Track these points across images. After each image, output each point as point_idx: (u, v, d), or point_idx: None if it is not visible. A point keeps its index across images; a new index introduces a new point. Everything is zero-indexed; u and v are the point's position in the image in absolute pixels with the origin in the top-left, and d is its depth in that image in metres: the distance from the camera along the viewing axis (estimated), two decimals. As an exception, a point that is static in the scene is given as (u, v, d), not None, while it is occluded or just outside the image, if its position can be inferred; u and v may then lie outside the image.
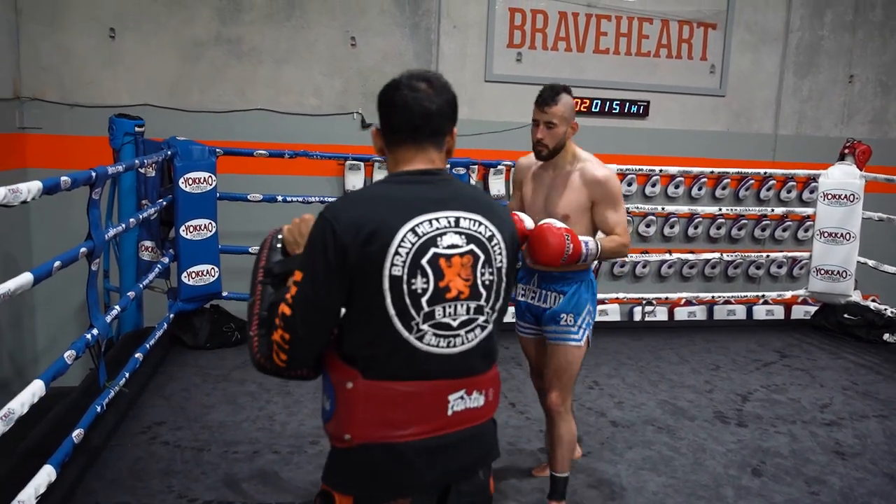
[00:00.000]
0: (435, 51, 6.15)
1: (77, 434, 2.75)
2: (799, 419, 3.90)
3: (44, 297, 5.62)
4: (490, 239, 1.50)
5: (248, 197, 4.94)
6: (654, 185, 6.51)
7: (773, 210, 6.24)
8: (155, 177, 4.51)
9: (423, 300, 1.42)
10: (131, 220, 3.76)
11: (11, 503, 2.17)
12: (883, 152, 6.39)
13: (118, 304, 3.54)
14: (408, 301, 1.42)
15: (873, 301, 5.75)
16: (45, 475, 2.39)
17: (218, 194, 4.70)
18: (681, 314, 6.57)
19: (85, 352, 2.86)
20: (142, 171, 4.47)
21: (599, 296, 5.74)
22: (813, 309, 5.97)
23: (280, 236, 1.62)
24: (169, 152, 4.40)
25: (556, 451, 2.75)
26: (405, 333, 1.43)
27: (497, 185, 6.08)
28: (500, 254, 1.52)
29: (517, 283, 2.89)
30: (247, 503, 2.87)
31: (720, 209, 6.27)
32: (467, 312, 1.47)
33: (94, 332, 2.96)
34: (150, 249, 4.66)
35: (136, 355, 3.65)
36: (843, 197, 5.46)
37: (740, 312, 6.49)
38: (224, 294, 4.87)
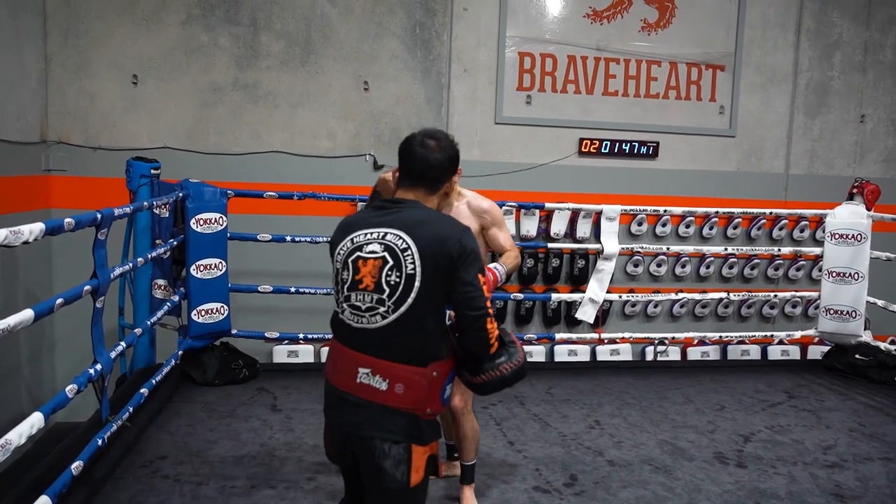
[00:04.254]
0: (446, 94, 6.32)
1: (76, 466, 2.83)
2: (800, 460, 3.85)
3: (63, 333, 5.80)
4: (404, 250, 1.98)
5: (258, 237, 5.07)
6: (664, 225, 6.54)
7: (780, 250, 6.21)
8: (168, 217, 4.67)
9: (346, 286, 2.03)
10: (139, 259, 3.89)
11: (5, 532, 2.25)
12: (894, 192, 6.36)
13: (125, 341, 3.65)
14: (338, 286, 2.07)
15: (892, 342, 5.67)
16: (41, 506, 2.47)
17: (229, 234, 4.85)
18: (694, 354, 6.54)
19: (87, 386, 2.96)
20: (156, 211, 4.64)
21: (611, 335, 5.79)
22: (828, 349, 5.90)
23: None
24: (181, 194, 4.57)
25: (463, 445, 3.21)
26: (336, 308, 2.09)
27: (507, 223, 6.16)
28: (412, 262, 1.97)
29: None
30: (239, 537, 2.91)
31: (732, 248, 6.25)
32: (371, 301, 1.99)
33: (98, 367, 3.06)
34: (162, 288, 4.80)
35: (142, 390, 3.75)
36: (850, 237, 5.43)
37: (755, 352, 6.44)
38: (233, 332, 4.98)
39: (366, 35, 6.15)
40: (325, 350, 5.78)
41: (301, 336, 5.38)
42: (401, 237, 1.98)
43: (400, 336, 1.99)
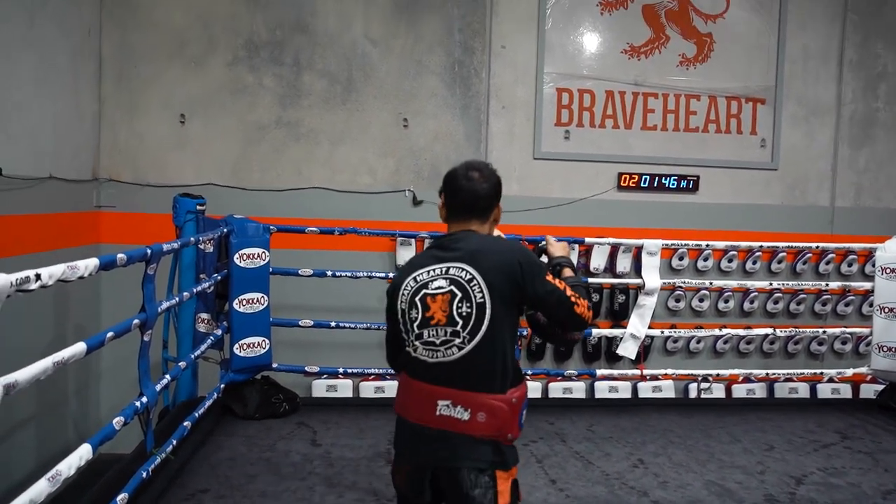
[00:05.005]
0: (484, 130, 6.37)
1: (121, 498, 2.86)
2: (858, 506, 3.70)
3: (108, 365, 5.92)
4: (469, 281, 2.04)
5: (299, 272, 5.13)
6: (706, 260, 6.45)
7: (828, 284, 6.06)
8: (213, 252, 4.76)
9: (415, 324, 2.08)
10: (185, 293, 3.97)
11: (53, 563, 2.28)
12: (947, 225, 6.19)
13: (169, 374, 3.71)
14: (406, 327, 2.10)
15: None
16: (88, 537, 2.49)
17: (271, 269, 4.91)
18: (739, 391, 6.38)
19: (134, 418, 3.01)
20: (201, 246, 4.73)
21: (653, 371, 5.69)
22: (881, 388, 5.70)
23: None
24: (225, 229, 4.66)
25: None
26: (408, 348, 2.12)
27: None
28: (481, 291, 2.03)
29: None
30: (279, 574, 2.89)
31: (777, 283, 6.12)
32: (445, 335, 2.04)
33: (143, 399, 3.11)
34: (206, 321, 4.87)
35: (185, 423, 3.79)
36: (902, 271, 5.28)
37: (803, 390, 6.25)
38: (274, 365, 5.02)
39: (405, 73, 6.26)
40: (363, 384, 5.79)
41: (340, 370, 5.40)
42: (464, 269, 2.05)
43: (478, 365, 2.05)
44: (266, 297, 4.86)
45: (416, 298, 2.07)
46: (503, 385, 2.08)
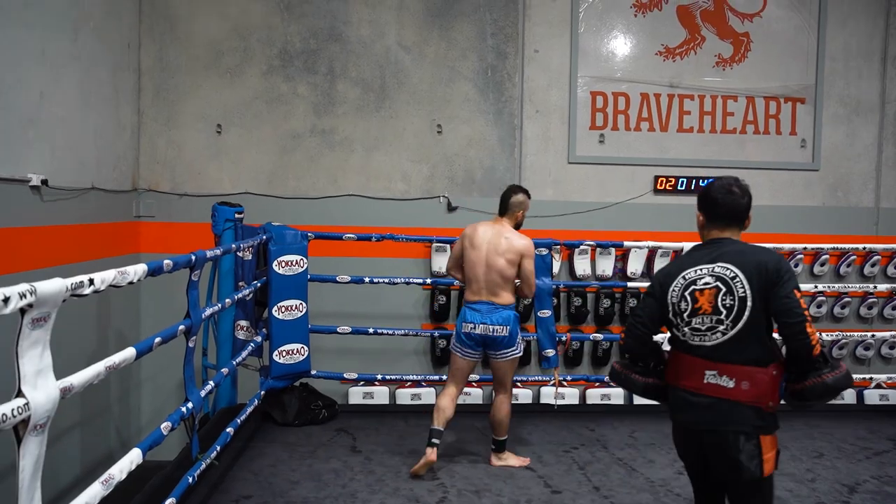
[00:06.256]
0: (518, 135, 6.34)
1: (170, 502, 2.88)
2: (914, 514, 3.58)
3: (148, 373, 6.00)
4: (733, 278, 2.39)
5: (337, 279, 5.15)
6: (746, 262, 6.32)
7: (875, 287, 5.91)
8: (251, 260, 4.80)
9: (685, 314, 2.46)
10: (227, 300, 4.00)
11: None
12: None
13: (212, 380, 3.73)
14: (676, 316, 2.49)
15: None
16: (138, 542, 2.50)
17: (309, 276, 4.94)
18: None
19: (180, 424, 3.03)
20: (240, 254, 4.77)
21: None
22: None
23: None
24: (264, 237, 4.69)
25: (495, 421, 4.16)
26: (676, 332, 2.50)
27: (582, 265, 6.09)
28: (742, 287, 2.37)
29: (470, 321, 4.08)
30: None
31: (821, 286, 5.98)
32: (710, 322, 2.40)
33: (189, 405, 3.13)
34: (245, 329, 4.91)
35: (228, 430, 3.81)
36: (953, 272, 5.12)
37: (849, 397, 6.07)
38: (313, 372, 5.03)
39: (438, 79, 6.26)
40: (400, 391, 5.78)
41: (378, 377, 5.39)
42: (728, 268, 2.40)
43: (739, 348, 2.37)
44: (305, 304, 4.89)
45: (686, 293, 2.45)
46: (764, 362, 2.37)
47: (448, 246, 5.96)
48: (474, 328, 4.05)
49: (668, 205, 6.39)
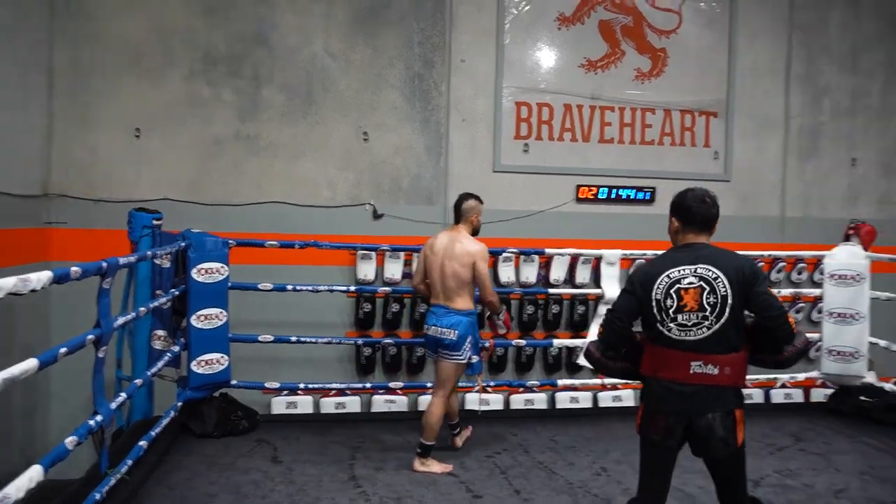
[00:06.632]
0: (444, 143, 6.40)
1: (75, 521, 2.77)
2: (813, 506, 3.79)
3: (59, 386, 5.73)
4: (715, 279, 2.66)
5: (259, 286, 5.07)
6: (663, 269, 6.55)
7: (780, 292, 6.19)
8: (169, 268, 4.67)
9: (671, 310, 2.69)
10: (142, 309, 3.88)
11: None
12: (890, 233, 6.42)
13: (125, 392, 3.61)
14: (661, 312, 2.71)
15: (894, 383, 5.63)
16: (39, 562, 2.40)
17: (230, 284, 4.84)
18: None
19: (87, 438, 2.92)
20: (157, 261, 4.64)
21: (613, 381, 5.79)
22: (831, 391, 5.85)
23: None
24: (183, 244, 4.58)
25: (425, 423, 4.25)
26: (661, 328, 2.72)
27: (507, 272, 6.18)
28: (724, 286, 2.65)
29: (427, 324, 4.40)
30: None
31: None
32: (695, 319, 2.66)
33: (98, 418, 3.02)
34: (162, 338, 4.77)
35: (141, 443, 3.69)
36: (849, 277, 5.45)
37: (757, 396, 6.36)
38: (233, 382, 4.93)
39: (365, 87, 6.26)
40: (324, 400, 5.72)
41: (301, 386, 5.33)
42: (710, 270, 2.68)
43: (721, 340, 2.66)
44: (225, 313, 4.79)
45: (671, 290, 2.69)
46: (738, 347, 2.70)
47: (373, 253, 5.97)
48: (428, 329, 4.34)
49: (589, 213, 6.57)
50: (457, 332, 4.21)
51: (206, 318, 4.69)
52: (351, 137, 6.27)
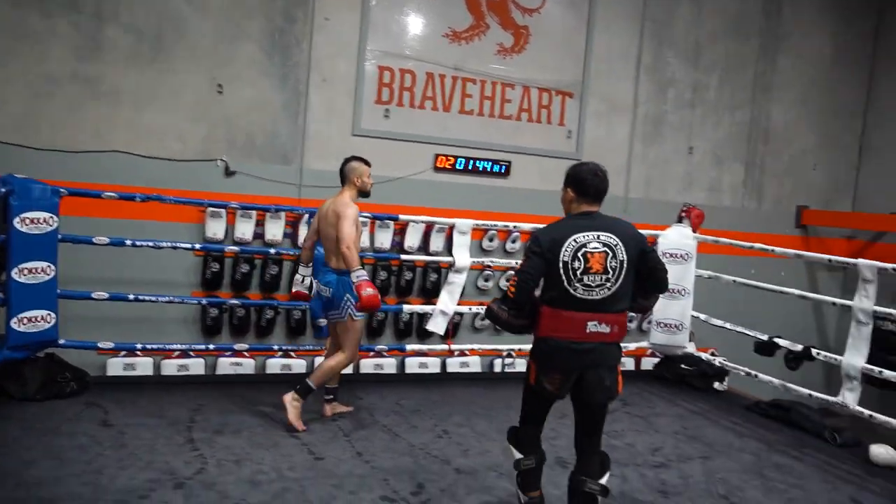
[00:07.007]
0: (303, 102, 6.22)
1: None
2: (632, 462, 4.12)
3: None
4: (616, 245, 2.95)
5: (94, 240, 4.73)
6: (514, 242, 6.79)
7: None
8: (-12, 216, 4.25)
9: (578, 272, 2.92)
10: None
11: None
12: (717, 217, 7.03)
13: (-72, 349, 3.27)
14: (568, 273, 2.92)
15: (713, 353, 6.21)
16: None
17: (60, 236, 4.48)
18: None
19: None
20: (-27, 208, 4.20)
21: (461, 347, 5.97)
22: (658, 360, 6.37)
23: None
24: (4, 189, 4.17)
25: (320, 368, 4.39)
26: (567, 287, 2.93)
27: (361, 237, 6.14)
28: (622, 252, 2.94)
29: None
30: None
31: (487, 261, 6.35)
32: (599, 280, 2.92)
33: None
34: (-23, 292, 4.35)
35: (-54, 405, 3.36)
36: (679, 256, 5.93)
37: (629, 364, 6.78)
38: (61, 342, 4.60)
39: (222, 36, 5.94)
40: (165, 362, 5.48)
41: (139, 346, 5.06)
42: (611, 237, 2.96)
43: (616, 300, 2.97)
44: (53, 267, 4.45)
45: (578, 254, 2.92)
46: (626, 309, 3.03)
47: (224, 211, 5.73)
48: (317, 286, 4.52)
49: (446, 183, 6.66)
50: (330, 290, 4.30)
51: (29, 272, 4.32)
52: (204, 89, 5.95)
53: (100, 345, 4.89)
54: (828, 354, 5.10)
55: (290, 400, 4.26)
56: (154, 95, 5.80)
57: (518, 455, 3.21)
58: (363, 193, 4.52)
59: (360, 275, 4.11)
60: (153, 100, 5.80)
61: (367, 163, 4.55)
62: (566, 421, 3.36)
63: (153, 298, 5.01)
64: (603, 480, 3.10)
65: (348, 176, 4.48)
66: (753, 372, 5.47)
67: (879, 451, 4.47)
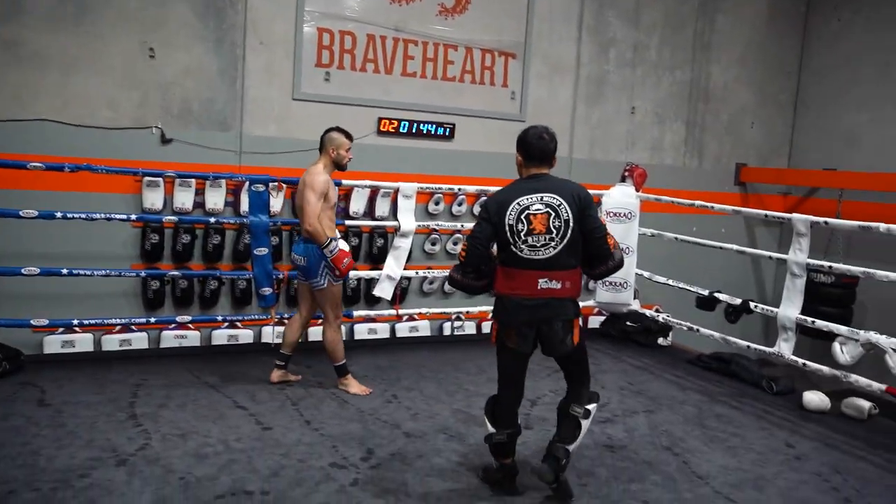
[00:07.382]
0: (241, 67, 6.02)
1: None
2: (578, 419, 4.20)
3: None
4: (559, 206, 3.06)
5: (21, 213, 4.53)
6: (460, 205, 6.77)
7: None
8: None
9: (522, 234, 3.06)
10: None
11: None
12: (659, 176, 7.14)
13: None
14: (513, 235, 3.07)
15: (657, 310, 6.36)
16: None
17: (-17, 210, 4.28)
18: (488, 327, 6.85)
19: None
20: None
21: (409, 311, 5.95)
22: (604, 318, 6.49)
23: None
24: (-81, 162, 3.94)
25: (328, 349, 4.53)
26: (514, 249, 3.08)
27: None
28: (566, 212, 3.05)
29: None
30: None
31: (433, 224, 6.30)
32: (543, 240, 3.05)
33: None
34: None
35: None
36: (622, 214, 6.01)
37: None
38: (-10, 320, 4.42)
39: (151, -2, 5.68)
40: (106, 338, 5.33)
41: (76, 322, 4.91)
42: (554, 197, 3.07)
43: (563, 258, 3.08)
44: (-23, 243, 4.23)
45: (522, 216, 3.05)
46: (576, 265, 3.14)
47: (161, 180, 5.55)
48: (293, 255, 4.58)
49: (390, 147, 6.58)
50: (306, 258, 4.38)
51: (-48, 249, 4.11)
52: (135, 54, 5.69)
53: (33, 322, 4.73)
54: (765, 307, 5.28)
55: (342, 382, 4.57)
56: (81, 60, 5.53)
57: (491, 429, 3.33)
58: (339, 166, 4.54)
59: (331, 248, 4.32)
60: (80, 65, 5.53)
61: (349, 136, 4.57)
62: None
63: (88, 272, 4.85)
64: (589, 407, 3.32)
65: (326, 146, 4.51)
66: (695, 326, 5.63)
67: (812, 398, 4.68)
